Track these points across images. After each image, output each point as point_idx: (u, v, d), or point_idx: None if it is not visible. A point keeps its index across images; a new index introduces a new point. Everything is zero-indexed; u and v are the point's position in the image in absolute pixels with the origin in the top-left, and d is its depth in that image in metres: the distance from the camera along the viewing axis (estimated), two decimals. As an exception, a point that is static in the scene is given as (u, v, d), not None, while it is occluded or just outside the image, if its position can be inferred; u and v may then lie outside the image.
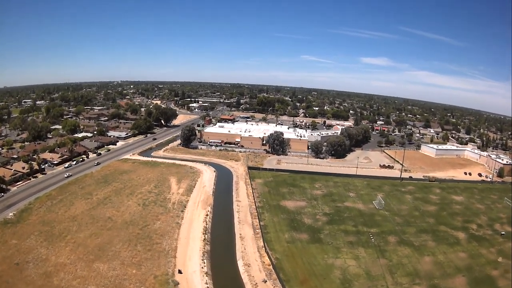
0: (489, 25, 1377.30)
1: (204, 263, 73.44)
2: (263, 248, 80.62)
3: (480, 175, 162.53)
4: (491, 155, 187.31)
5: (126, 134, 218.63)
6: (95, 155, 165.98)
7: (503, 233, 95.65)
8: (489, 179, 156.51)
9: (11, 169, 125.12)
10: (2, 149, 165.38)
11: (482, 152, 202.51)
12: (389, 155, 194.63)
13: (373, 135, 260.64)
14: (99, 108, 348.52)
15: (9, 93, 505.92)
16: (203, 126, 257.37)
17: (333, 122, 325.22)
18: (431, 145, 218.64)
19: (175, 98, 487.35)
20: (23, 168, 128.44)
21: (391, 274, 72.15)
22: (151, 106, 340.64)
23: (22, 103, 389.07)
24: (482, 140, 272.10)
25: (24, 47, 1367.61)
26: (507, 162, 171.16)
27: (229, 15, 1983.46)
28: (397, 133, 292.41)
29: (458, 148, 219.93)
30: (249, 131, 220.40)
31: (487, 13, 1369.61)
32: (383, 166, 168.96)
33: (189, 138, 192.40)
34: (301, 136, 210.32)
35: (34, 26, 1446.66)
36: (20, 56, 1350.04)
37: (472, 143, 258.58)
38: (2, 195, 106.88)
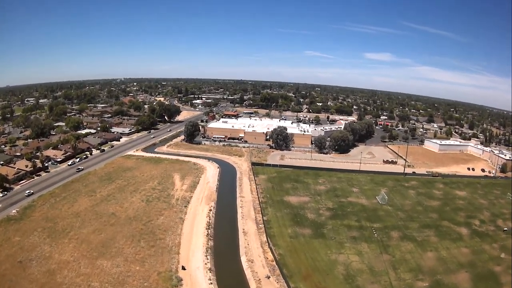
0: (492, 20, 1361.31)
1: (208, 259, 73.62)
2: (266, 244, 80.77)
3: (483, 170, 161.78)
4: (494, 151, 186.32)
5: (130, 130, 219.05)
6: (98, 151, 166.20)
7: (506, 229, 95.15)
8: (492, 175, 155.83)
9: (14, 168, 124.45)
10: (5, 147, 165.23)
11: (485, 148, 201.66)
12: (393, 150, 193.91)
13: (376, 130, 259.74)
14: (103, 105, 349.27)
15: (12, 92, 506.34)
16: (206, 121, 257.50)
17: (337, 117, 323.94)
18: (434, 140, 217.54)
19: (179, 95, 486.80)
20: (26, 166, 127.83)
21: (394, 269, 72.06)
22: (154, 103, 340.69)
23: (25, 101, 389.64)
24: (485, 135, 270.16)
25: (26, 46, 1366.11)
26: (510, 157, 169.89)
27: (232, 11, 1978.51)
28: (400, 128, 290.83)
29: (461, 144, 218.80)
30: (253, 126, 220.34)
31: (490, 9, 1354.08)
32: (387, 162, 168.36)
33: (192, 133, 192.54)
34: (304, 131, 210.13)
35: (35, 25, 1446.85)
36: (22, 55, 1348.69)
37: (475, 139, 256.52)
38: (5, 194, 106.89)
